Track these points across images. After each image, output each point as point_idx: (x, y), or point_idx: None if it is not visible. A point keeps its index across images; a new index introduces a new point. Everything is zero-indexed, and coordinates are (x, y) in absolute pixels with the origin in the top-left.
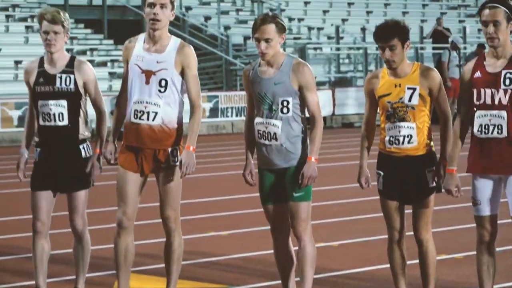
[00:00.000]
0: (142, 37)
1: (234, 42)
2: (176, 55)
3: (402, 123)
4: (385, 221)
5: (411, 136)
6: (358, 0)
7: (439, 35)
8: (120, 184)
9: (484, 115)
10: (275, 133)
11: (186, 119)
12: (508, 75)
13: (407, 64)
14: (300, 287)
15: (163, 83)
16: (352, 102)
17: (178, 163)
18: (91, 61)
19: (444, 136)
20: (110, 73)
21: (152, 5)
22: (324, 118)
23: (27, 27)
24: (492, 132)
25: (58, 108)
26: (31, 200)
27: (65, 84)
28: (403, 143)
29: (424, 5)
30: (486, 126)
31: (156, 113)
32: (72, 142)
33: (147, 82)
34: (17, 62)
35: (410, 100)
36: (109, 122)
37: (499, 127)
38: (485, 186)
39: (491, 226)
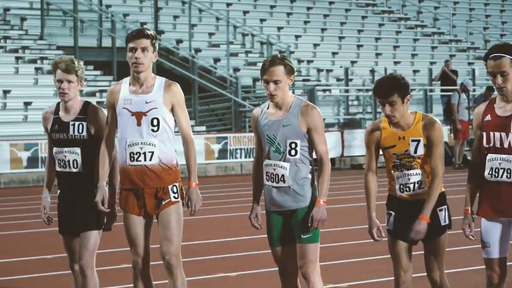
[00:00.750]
0: (126, 80)
1: (243, 84)
2: (164, 93)
3: (410, 171)
4: (392, 261)
5: (421, 182)
6: (367, 43)
7: (447, 78)
8: (128, 228)
9: (494, 158)
10: (283, 175)
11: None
12: None
13: (409, 115)
14: None
15: (155, 122)
16: (361, 144)
17: (183, 200)
18: (100, 103)
19: (429, 192)
20: None
21: (133, 49)
22: (333, 160)
23: (36, 69)
24: (501, 176)
25: (72, 155)
26: (63, 243)
27: (78, 132)
28: (413, 189)
29: (433, 47)
30: (496, 170)
31: (153, 153)
32: (87, 187)
33: (139, 124)
34: (26, 104)
35: (415, 152)
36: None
37: (508, 171)
38: (494, 229)
39: (500, 269)
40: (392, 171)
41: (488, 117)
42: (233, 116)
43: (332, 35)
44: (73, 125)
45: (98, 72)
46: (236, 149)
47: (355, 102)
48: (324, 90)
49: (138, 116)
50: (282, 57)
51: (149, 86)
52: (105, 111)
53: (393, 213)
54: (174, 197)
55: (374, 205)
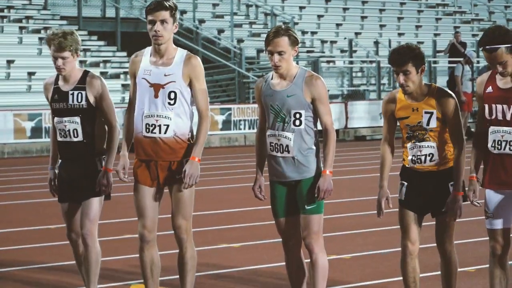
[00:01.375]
0: (148, 50)
1: (247, 55)
2: (183, 67)
3: (422, 143)
4: (401, 232)
5: (433, 154)
6: (372, 14)
7: (455, 50)
8: (138, 199)
9: (497, 131)
10: (287, 146)
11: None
12: None
13: (423, 86)
14: None
15: (172, 95)
16: (365, 116)
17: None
18: (103, 73)
19: (455, 165)
20: (123, 85)
21: (152, 22)
22: (337, 131)
23: (40, 39)
24: (504, 148)
25: (72, 124)
26: (62, 212)
27: (77, 101)
28: (425, 161)
29: (437, 19)
30: (499, 142)
31: (168, 126)
32: (88, 156)
33: (156, 96)
34: (30, 74)
35: (428, 124)
36: (120, 135)
37: (511, 143)
38: (498, 200)
39: (504, 239)
40: (405, 142)
41: (490, 89)
42: (237, 87)
43: (336, 7)
44: (72, 94)
45: (102, 43)
46: (239, 120)
47: (359, 74)
48: (328, 62)
49: (156, 88)
50: (286, 28)
51: (169, 58)
52: (105, 81)
53: (405, 183)
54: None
55: (387, 175)
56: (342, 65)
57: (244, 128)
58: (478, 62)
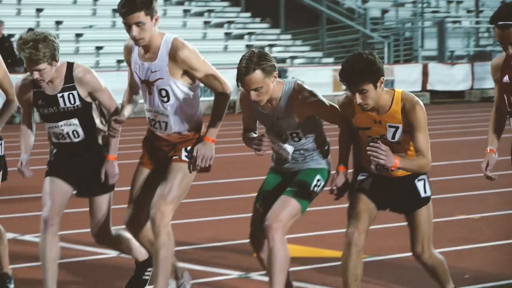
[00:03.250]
0: None
1: (372, 16)
2: (169, 61)
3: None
4: (348, 220)
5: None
6: None
7: None
8: (132, 184)
9: None
10: (286, 158)
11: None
12: None
13: (384, 97)
14: None
15: (163, 93)
16: (491, 77)
17: (188, 157)
18: (227, 34)
19: (410, 162)
20: (247, 46)
21: (127, 25)
22: (463, 92)
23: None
24: None
25: (70, 127)
26: (48, 189)
27: (70, 103)
28: (392, 170)
29: None
30: None
31: (166, 123)
32: (94, 151)
33: (150, 92)
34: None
35: (393, 138)
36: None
37: None
38: None
39: None
40: (367, 150)
41: (506, 79)
42: (361, 48)
43: None
44: (62, 97)
45: (225, 4)
46: None
47: (486, 34)
48: (453, 22)
49: (147, 84)
50: (258, 59)
51: (154, 52)
52: (93, 72)
53: (370, 178)
54: (186, 156)
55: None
56: (468, 25)
57: None
58: None
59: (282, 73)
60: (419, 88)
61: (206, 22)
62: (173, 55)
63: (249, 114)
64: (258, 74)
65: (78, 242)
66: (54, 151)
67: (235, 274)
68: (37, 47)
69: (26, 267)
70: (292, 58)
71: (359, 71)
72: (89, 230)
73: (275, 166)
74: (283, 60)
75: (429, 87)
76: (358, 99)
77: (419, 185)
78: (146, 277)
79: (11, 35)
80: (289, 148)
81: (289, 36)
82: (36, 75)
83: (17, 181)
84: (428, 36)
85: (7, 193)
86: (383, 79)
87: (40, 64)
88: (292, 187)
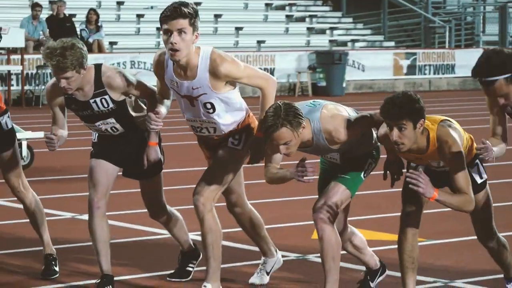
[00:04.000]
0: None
1: (434, 0)
2: (210, 77)
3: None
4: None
5: None
6: None
7: None
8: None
9: None
10: (335, 162)
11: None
12: None
13: (421, 139)
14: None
15: (208, 106)
16: None
17: (235, 144)
18: (289, 17)
19: (452, 197)
20: (308, 28)
21: (167, 32)
22: None
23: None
24: None
25: (108, 125)
26: (94, 170)
27: (104, 107)
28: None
29: None
30: None
31: (215, 128)
32: (135, 135)
33: (192, 105)
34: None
35: (439, 165)
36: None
37: None
38: None
39: None
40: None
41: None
42: (423, 32)
43: None
44: (95, 102)
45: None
46: (424, 65)
47: None
48: None
49: (189, 99)
50: (284, 115)
51: (193, 70)
52: (122, 71)
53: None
54: (232, 142)
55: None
56: None
57: (429, 73)
58: None
59: (343, 56)
60: None
61: (267, 4)
62: (214, 71)
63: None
64: (285, 130)
65: (136, 222)
66: (97, 134)
67: (292, 256)
68: (64, 55)
69: (83, 246)
70: (353, 41)
71: (401, 104)
72: (146, 210)
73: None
74: (344, 43)
75: None
76: (395, 136)
77: (473, 171)
78: (190, 269)
79: (72, 15)
80: (336, 155)
81: (350, 19)
82: (63, 83)
83: (73, 161)
84: (490, 21)
85: (64, 173)
86: (423, 121)
87: (68, 72)
88: (342, 173)
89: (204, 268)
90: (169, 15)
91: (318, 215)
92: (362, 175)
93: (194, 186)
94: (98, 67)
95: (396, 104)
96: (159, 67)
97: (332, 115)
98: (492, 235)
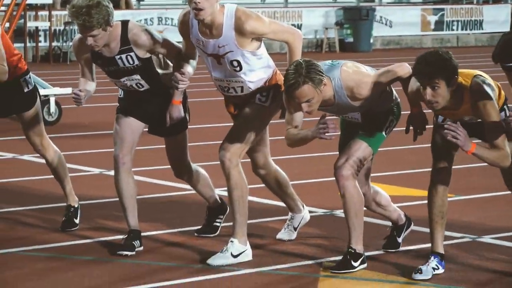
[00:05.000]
0: None
1: None
2: (236, 35)
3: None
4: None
5: None
6: None
7: None
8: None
9: None
10: (356, 120)
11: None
12: None
13: (454, 95)
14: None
15: (235, 63)
16: None
17: (262, 100)
18: None
19: (485, 151)
20: None
21: None
22: None
23: None
24: None
25: (133, 81)
26: (120, 127)
27: (129, 63)
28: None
29: None
30: None
31: (242, 87)
32: (161, 93)
33: (219, 63)
34: None
35: (472, 120)
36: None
37: None
38: None
39: None
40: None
41: None
42: None
43: None
44: (120, 58)
45: None
46: (452, 21)
47: None
48: None
49: (216, 57)
50: (306, 70)
51: (218, 29)
52: (149, 28)
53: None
54: (260, 99)
55: None
56: None
57: (457, 29)
58: None
59: (370, 12)
60: (507, 29)
61: None
62: (239, 29)
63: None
64: (307, 87)
65: (163, 178)
66: (123, 90)
67: (320, 211)
68: (90, 13)
69: (111, 202)
70: None
71: (433, 63)
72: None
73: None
74: None
75: None
76: (429, 95)
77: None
78: (218, 224)
79: None
80: (357, 115)
81: None
82: (90, 40)
83: (101, 117)
84: None
85: (92, 129)
86: (456, 79)
87: (94, 30)
88: (364, 131)
89: (231, 223)
90: None
91: (340, 172)
92: (384, 133)
93: (220, 142)
94: (124, 24)
95: (428, 63)
96: (184, 27)
97: (352, 71)
98: None
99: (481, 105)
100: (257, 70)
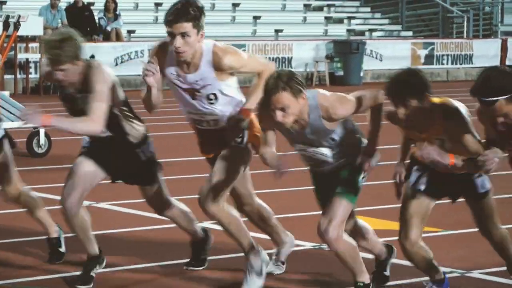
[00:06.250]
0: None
1: None
2: (214, 70)
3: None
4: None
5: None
6: None
7: None
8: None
9: None
10: (324, 161)
11: None
12: None
13: (425, 112)
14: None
15: (211, 97)
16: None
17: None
18: (306, 6)
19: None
20: (326, 18)
21: (171, 34)
22: None
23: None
24: None
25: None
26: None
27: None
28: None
29: None
30: None
31: (216, 120)
32: (125, 148)
33: (194, 98)
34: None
35: (443, 144)
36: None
37: None
38: None
39: None
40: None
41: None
42: (441, 21)
43: None
44: (81, 98)
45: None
46: (442, 55)
47: None
48: None
49: (191, 92)
50: (287, 78)
51: (196, 64)
52: (105, 69)
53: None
54: (235, 141)
55: None
56: None
57: (447, 63)
58: None
59: (360, 46)
60: (497, 63)
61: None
62: (218, 65)
63: (271, 125)
64: (286, 94)
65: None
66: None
67: (308, 245)
68: (61, 48)
69: (99, 234)
70: (371, 31)
71: (403, 82)
72: None
73: (312, 169)
74: (361, 33)
75: (507, 63)
76: (400, 114)
77: (479, 181)
78: (204, 257)
79: (91, 4)
80: (325, 151)
81: (368, 9)
82: (59, 75)
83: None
84: (508, 11)
85: None
86: (427, 95)
87: (63, 65)
88: (340, 185)
89: (219, 256)
90: (172, 19)
91: (326, 236)
92: (360, 179)
93: (202, 175)
94: (88, 63)
95: (398, 81)
96: (161, 54)
97: (329, 94)
98: (492, 230)
99: (453, 123)
100: (231, 102)
